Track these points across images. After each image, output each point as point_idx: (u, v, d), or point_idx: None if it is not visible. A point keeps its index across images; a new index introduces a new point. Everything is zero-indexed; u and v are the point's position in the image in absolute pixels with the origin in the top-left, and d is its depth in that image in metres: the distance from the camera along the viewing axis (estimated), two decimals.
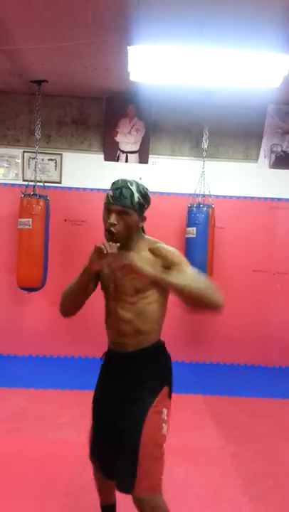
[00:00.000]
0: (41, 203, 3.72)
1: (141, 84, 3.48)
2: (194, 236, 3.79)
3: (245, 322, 4.20)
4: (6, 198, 4.08)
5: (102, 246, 1.44)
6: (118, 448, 1.52)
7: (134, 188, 1.50)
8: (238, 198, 4.19)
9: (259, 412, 3.21)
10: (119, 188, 1.49)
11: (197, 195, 3.94)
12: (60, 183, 4.15)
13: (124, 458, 1.50)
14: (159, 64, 2.88)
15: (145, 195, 1.53)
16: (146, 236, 1.60)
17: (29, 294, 3.95)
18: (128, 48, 2.74)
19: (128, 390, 1.54)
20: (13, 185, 4.11)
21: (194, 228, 3.79)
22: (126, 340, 1.56)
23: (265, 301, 4.22)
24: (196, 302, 1.44)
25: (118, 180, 1.53)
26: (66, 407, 3.07)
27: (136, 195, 1.49)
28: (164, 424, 1.52)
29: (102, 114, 4.12)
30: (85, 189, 4.16)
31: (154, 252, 1.52)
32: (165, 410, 1.53)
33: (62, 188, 4.14)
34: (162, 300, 1.57)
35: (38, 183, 3.87)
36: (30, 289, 3.82)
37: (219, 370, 4.13)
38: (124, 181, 1.52)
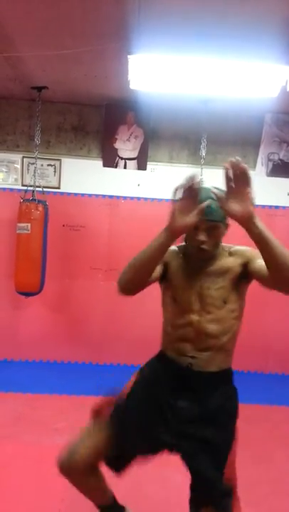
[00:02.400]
0: (40, 208, 3.74)
1: (140, 93, 3.52)
2: None
3: (242, 328, 4.21)
4: (5, 203, 4.10)
5: (185, 183, 1.24)
6: (190, 458, 1.42)
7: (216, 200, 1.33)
8: None
9: (255, 418, 3.22)
10: (208, 201, 1.33)
11: None
12: (59, 188, 4.17)
13: (205, 466, 1.40)
14: (159, 73, 2.93)
15: None
16: (223, 244, 1.53)
17: (27, 299, 3.96)
18: (128, 56, 2.79)
19: (204, 412, 1.41)
20: (12, 190, 4.13)
21: None
22: (207, 356, 1.43)
23: (262, 308, 4.24)
24: (283, 270, 1.26)
25: (199, 189, 1.33)
26: (63, 412, 3.07)
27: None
28: (234, 469, 1.44)
29: (101, 121, 4.15)
30: (83, 195, 4.18)
31: (233, 253, 1.48)
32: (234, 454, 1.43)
33: (61, 193, 4.17)
34: (242, 315, 1.52)
35: (37, 188, 3.90)
36: (28, 294, 3.83)
37: None
38: (206, 191, 1.34)
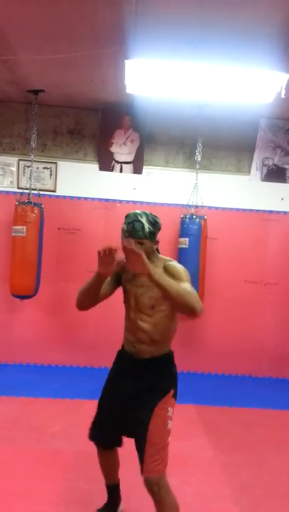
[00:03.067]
0: (36, 211, 3.74)
1: (137, 97, 3.55)
2: (187, 246, 3.83)
3: (236, 332, 4.23)
4: (1, 206, 4.09)
5: (101, 250, 1.62)
6: (127, 432, 1.81)
7: (144, 220, 1.72)
8: (230, 209, 4.25)
9: (250, 422, 3.23)
10: (132, 223, 1.71)
11: (190, 206, 4.00)
12: (54, 191, 4.18)
13: (137, 442, 1.75)
14: (155, 78, 2.95)
15: (155, 224, 1.75)
16: (160, 256, 1.83)
17: (22, 302, 3.94)
18: (125, 61, 2.81)
19: (140, 389, 1.77)
20: (7, 192, 4.13)
21: (187, 239, 3.84)
22: (142, 347, 1.80)
23: (256, 312, 4.26)
24: (178, 304, 1.61)
25: (130, 215, 1.75)
26: (57, 416, 3.06)
27: (146, 225, 1.72)
28: (169, 421, 1.75)
29: (97, 125, 4.17)
30: (79, 198, 4.19)
31: (166, 268, 1.75)
32: (170, 409, 1.77)
33: (57, 196, 4.17)
34: (175, 315, 1.82)
35: (33, 191, 3.90)
36: (22, 297, 3.82)
37: (211, 380, 4.14)
38: (135, 215, 1.74)
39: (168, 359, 1.85)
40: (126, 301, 1.86)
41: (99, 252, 1.64)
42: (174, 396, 1.81)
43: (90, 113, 4.17)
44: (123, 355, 1.89)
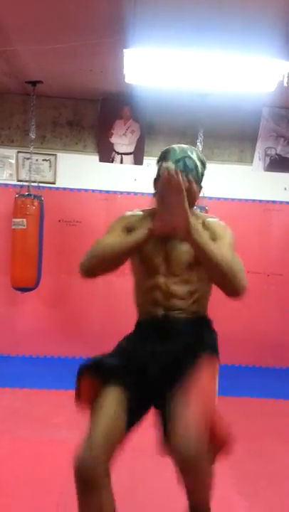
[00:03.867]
0: (35, 204, 3.72)
1: (136, 87, 3.50)
2: None
3: (239, 323, 4.23)
4: (0, 198, 4.07)
5: (171, 174, 1.22)
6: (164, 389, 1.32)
7: (195, 157, 1.39)
8: (232, 200, 4.22)
9: (252, 412, 3.24)
10: (182, 159, 1.36)
11: None
12: (54, 183, 4.15)
13: (172, 402, 1.26)
14: (155, 67, 2.91)
15: (205, 163, 1.45)
16: (197, 211, 1.53)
17: (23, 294, 3.95)
18: (124, 50, 2.76)
19: (182, 348, 1.38)
20: (7, 185, 4.11)
21: None
22: (177, 315, 1.42)
23: (260, 303, 4.26)
24: (219, 275, 1.31)
25: (175, 149, 1.38)
26: (60, 407, 3.07)
27: (199, 165, 1.39)
28: (215, 396, 1.37)
29: (97, 116, 4.13)
30: (79, 190, 4.16)
31: (206, 227, 1.44)
32: (216, 383, 1.41)
33: (57, 188, 4.15)
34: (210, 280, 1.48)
35: (33, 184, 3.88)
36: (24, 289, 3.82)
37: None
38: (184, 150, 1.38)
39: (208, 321, 1.52)
40: (147, 262, 1.44)
41: (168, 177, 1.21)
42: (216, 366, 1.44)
43: (89, 104, 4.13)
44: (146, 325, 1.47)
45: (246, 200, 4.23)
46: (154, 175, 1.46)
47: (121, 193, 4.18)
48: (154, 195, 1.41)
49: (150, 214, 1.47)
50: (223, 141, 4.19)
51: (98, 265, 1.41)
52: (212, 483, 1.37)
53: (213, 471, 1.36)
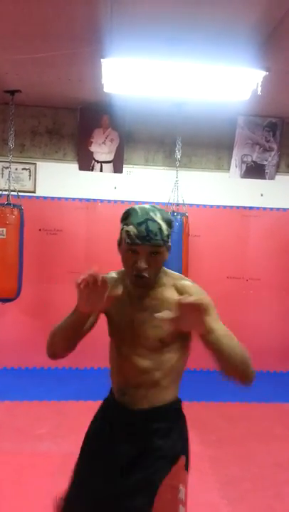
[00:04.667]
0: (15, 213, 3.69)
1: (115, 96, 3.53)
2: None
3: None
4: None
5: (82, 281, 1.11)
6: None
7: (159, 219, 1.22)
8: (211, 206, 4.29)
9: (235, 416, 3.27)
10: (144, 223, 1.20)
11: (171, 203, 4.01)
12: (34, 192, 4.13)
13: None
14: (132, 76, 2.94)
15: (170, 223, 1.28)
16: (167, 270, 1.36)
17: (3, 305, 3.89)
18: (101, 60, 2.79)
19: (136, 456, 1.26)
20: None
21: None
22: (138, 393, 1.30)
23: (239, 307, 4.31)
24: (230, 368, 1.22)
25: (137, 212, 1.23)
26: (43, 419, 3.04)
27: (164, 227, 1.23)
28: (181, 507, 1.22)
29: (76, 124, 4.14)
30: (60, 198, 4.16)
31: (180, 290, 1.28)
32: (182, 488, 1.25)
33: (37, 197, 4.13)
34: (185, 349, 1.37)
35: (12, 193, 3.85)
36: (4, 300, 3.76)
37: (195, 376, 4.16)
38: (146, 212, 1.23)
39: (176, 410, 1.37)
40: (115, 332, 1.36)
41: (78, 285, 1.11)
42: (186, 466, 1.31)
43: (68, 113, 4.14)
44: (111, 407, 1.38)
45: (224, 207, 4.30)
46: (118, 237, 1.32)
47: (101, 201, 4.19)
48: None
49: (121, 276, 1.37)
50: (201, 149, 4.27)
51: (55, 347, 1.34)
52: None
53: None
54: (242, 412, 3.35)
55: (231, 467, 2.50)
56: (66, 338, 1.30)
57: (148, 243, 1.21)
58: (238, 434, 2.97)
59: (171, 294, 1.27)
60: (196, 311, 1.07)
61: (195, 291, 1.27)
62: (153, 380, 1.29)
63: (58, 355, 1.34)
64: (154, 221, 1.21)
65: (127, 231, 1.22)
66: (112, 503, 1.24)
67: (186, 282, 1.32)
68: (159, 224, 1.22)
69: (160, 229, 1.22)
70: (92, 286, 1.11)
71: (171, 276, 1.34)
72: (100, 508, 1.27)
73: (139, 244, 1.21)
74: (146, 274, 1.23)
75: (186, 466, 1.32)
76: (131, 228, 1.21)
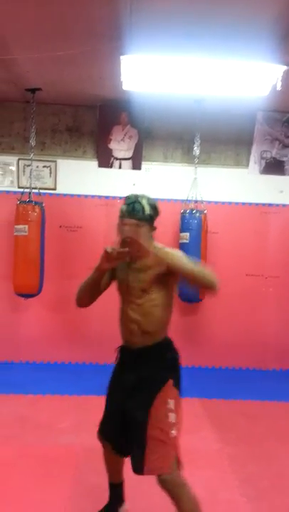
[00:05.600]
0: (37, 210, 3.76)
1: (134, 93, 3.54)
2: (187, 241, 3.85)
3: (239, 326, 4.26)
4: (2, 205, 4.11)
5: (110, 249, 1.65)
6: (129, 433, 1.72)
7: (144, 202, 1.69)
8: (230, 203, 4.26)
9: (255, 414, 3.26)
10: (132, 204, 1.67)
11: (190, 201, 4.01)
12: (55, 189, 4.19)
13: (135, 443, 1.69)
14: (152, 73, 2.95)
15: (154, 207, 1.72)
16: (156, 243, 1.75)
17: (26, 301, 3.97)
18: (121, 57, 2.81)
19: (136, 381, 1.72)
20: (8, 192, 4.14)
21: (187, 233, 3.85)
22: (134, 338, 1.75)
23: (259, 305, 4.29)
24: (195, 282, 1.70)
25: (130, 196, 1.72)
26: (65, 413, 3.10)
27: (146, 207, 1.68)
28: (170, 414, 1.67)
29: (95, 122, 4.17)
30: (79, 195, 4.20)
31: (158, 254, 1.70)
32: (171, 401, 1.69)
33: (58, 194, 4.18)
34: (167, 302, 1.76)
35: (33, 190, 3.91)
36: (26, 296, 3.85)
37: (215, 373, 4.18)
38: (136, 196, 1.71)
39: (163, 346, 1.79)
40: (119, 291, 1.84)
41: (107, 252, 1.65)
42: (176, 385, 1.74)
43: (87, 110, 4.17)
44: (121, 349, 1.86)
45: (243, 204, 4.27)
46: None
47: (120, 198, 4.19)
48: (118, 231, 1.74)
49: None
50: (220, 145, 4.24)
51: (81, 298, 1.83)
52: (194, 503, 1.66)
53: (191, 496, 1.65)
54: (262, 411, 3.34)
55: (251, 465, 2.50)
56: (89, 290, 1.80)
57: (132, 217, 1.66)
58: (258, 432, 2.97)
59: (153, 257, 1.70)
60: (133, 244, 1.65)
61: (166, 251, 1.70)
62: (142, 329, 1.73)
63: (82, 304, 1.85)
64: (139, 203, 1.68)
65: (121, 209, 1.71)
66: (123, 416, 1.74)
67: (163, 249, 1.72)
68: (142, 205, 1.68)
69: (143, 208, 1.67)
70: (115, 255, 1.66)
71: (157, 248, 1.73)
72: (117, 420, 1.78)
73: (125, 217, 1.68)
74: (129, 240, 1.67)
75: (176, 384, 1.73)
76: (123, 206, 1.70)
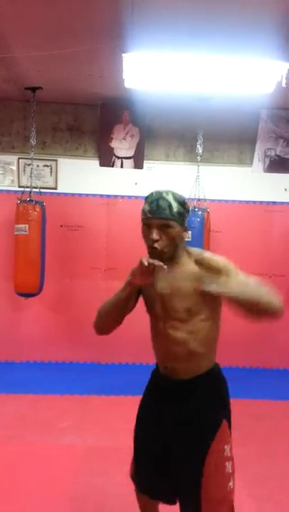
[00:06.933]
0: (37, 209, 3.73)
1: (135, 91, 3.52)
2: (190, 240, 3.80)
3: (244, 325, 4.19)
4: (2, 205, 4.08)
5: (147, 262, 1.32)
6: (175, 482, 1.43)
7: (170, 198, 1.38)
8: (233, 201, 4.23)
9: (260, 413, 3.23)
10: (155, 200, 1.38)
11: (192, 199, 3.98)
12: (55, 188, 4.16)
13: (185, 501, 1.42)
14: (154, 71, 2.92)
15: (183, 203, 1.42)
16: (189, 248, 1.48)
17: (26, 300, 3.94)
18: (122, 55, 2.78)
19: (182, 423, 1.41)
20: (8, 191, 4.12)
21: (190, 232, 3.82)
22: (178, 364, 1.42)
23: None
24: (251, 308, 1.33)
25: (152, 193, 1.42)
26: (66, 412, 3.07)
27: (174, 204, 1.38)
28: (227, 463, 1.39)
29: (96, 121, 4.14)
30: (80, 195, 4.18)
31: (201, 263, 1.40)
32: (227, 447, 1.40)
33: (58, 193, 4.16)
34: (216, 316, 1.47)
35: (34, 189, 3.89)
36: (27, 295, 3.82)
37: None
38: (159, 192, 1.41)
39: (215, 376, 1.47)
40: (150, 309, 1.50)
41: (143, 264, 1.31)
42: (229, 426, 1.43)
43: (88, 109, 4.15)
44: (157, 377, 1.51)
45: (247, 202, 4.23)
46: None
47: (122, 197, 4.19)
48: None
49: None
50: (223, 143, 4.21)
51: (105, 324, 1.53)
52: None
53: None
54: (267, 410, 3.30)
55: (257, 465, 2.46)
56: (116, 312, 1.48)
57: (157, 216, 1.36)
58: (264, 432, 2.93)
59: (192, 268, 1.40)
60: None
61: (212, 259, 1.40)
62: (188, 349, 1.40)
63: (105, 330, 1.53)
64: (165, 199, 1.38)
65: (143, 209, 1.41)
66: (165, 464, 1.43)
67: (206, 255, 1.44)
68: (168, 201, 1.37)
69: (170, 205, 1.37)
70: (151, 269, 1.33)
71: (192, 253, 1.46)
72: (156, 466, 1.45)
73: (150, 218, 1.38)
74: (157, 246, 1.37)
75: (229, 426, 1.44)
76: (145, 206, 1.40)
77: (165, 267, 1.32)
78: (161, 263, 1.32)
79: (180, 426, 1.41)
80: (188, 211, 1.44)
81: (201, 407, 1.41)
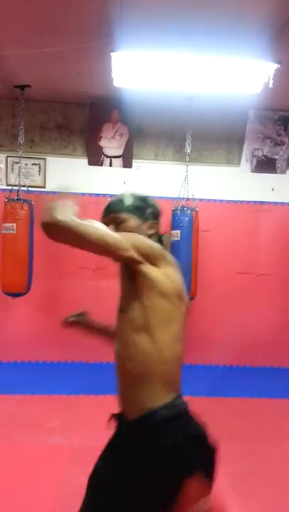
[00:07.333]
0: (25, 208, 3.71)
1: (124, 90, 3.51)
2: (179, 239, 3.83)
3: (230, 323, 4.25)
4: None
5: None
6: None
7: (125, 195, 1.36)
8: (221, 201, 4.26)
9: (245, 411, 3.26)
10: (110, 201, 1.38)
11: (181, 198, 3.99)
12: (44, 187, 4.14)
13: None
14: (143, 70, 2.93)
15: (142, 198, 1.36)
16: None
17: (14, 300, 3.92)
18: (111, 54, 2.78)
19: (130, 480, 1.10)
20: None
21: (178, 231, 3.84)
22: (123, 393, 1.16)
23: (250, 303, 4.29)
24: (94, 246, 1.23)
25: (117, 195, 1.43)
26: (54, 412, 3.06)
27: (128, 199, 1.34)
28: None
29: (85, 119, 4.13)
30: (69, 193, 4.15)
31: None
32: (200, 502, 1.09)
33: (47, 192, 4.13)
34: (153, 331, 1.13)
35: (22, 188, 3.86)
36: (14, 295, 3.79)
37: (205, 371, 4.17)
38: (121, 193, 1.40)
39: (171, 420, 1.12)
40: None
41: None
42: (207, 474, 1.14)
43: (77, 107, 4.13)
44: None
45: (235, 202, 4.26)
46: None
47: (110, 195, 4.12)
48: None
49: None
50: (211, 143, 4.23)
51: (63, 238, 1.23)
52: None
53: None
54: (253, 408, 3.34)
55: (241, 463, 2.49)
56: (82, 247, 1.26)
57: (107, 212, 1.36)
58: (249, 429, 2.96)
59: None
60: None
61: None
62: (126, 370, 1.11)
63: (57, 240, 1.23)
64: (118, 197, 1.36)
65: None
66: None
67: None
68: (121, 198, 1.35)
69: (121, 200, 1.34)
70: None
71: None
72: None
73: (103, 217, 1.36)
74: None
75: (207, 474, 1.14)
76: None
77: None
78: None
79: (127, 485, 1.10)
80: (149, 206, 1.35)
81: (147, 463, 1.06)
